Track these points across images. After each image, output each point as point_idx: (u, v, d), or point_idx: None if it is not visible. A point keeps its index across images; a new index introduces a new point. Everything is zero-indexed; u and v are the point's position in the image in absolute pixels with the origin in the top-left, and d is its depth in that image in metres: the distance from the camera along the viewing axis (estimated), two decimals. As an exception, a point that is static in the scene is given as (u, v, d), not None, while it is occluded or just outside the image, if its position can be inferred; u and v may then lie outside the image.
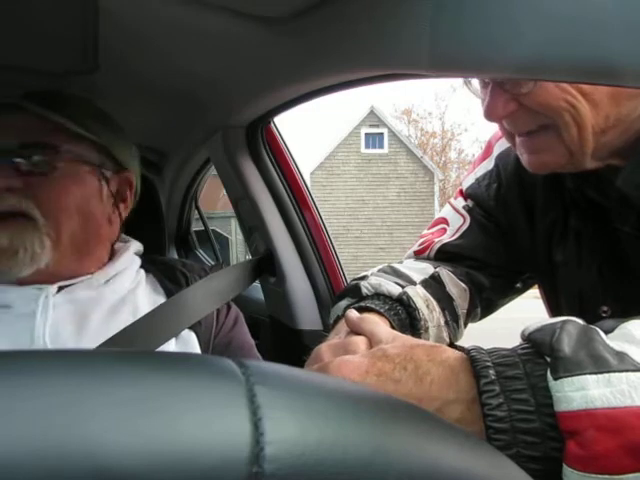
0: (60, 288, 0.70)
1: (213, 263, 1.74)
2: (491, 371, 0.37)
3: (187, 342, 0.74)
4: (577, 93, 0.50)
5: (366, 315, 0.56)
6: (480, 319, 0.78)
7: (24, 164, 0.65)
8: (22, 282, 0.68)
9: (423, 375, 0.40)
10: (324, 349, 0.50)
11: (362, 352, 0.46)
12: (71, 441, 0.14)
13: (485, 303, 0.76)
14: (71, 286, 0.71)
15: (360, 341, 0.49)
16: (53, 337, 0.65)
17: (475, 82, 0.60)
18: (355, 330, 0.52)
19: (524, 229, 0.73)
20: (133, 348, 0.66)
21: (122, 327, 0.67)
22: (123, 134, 0.80)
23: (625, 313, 0.40)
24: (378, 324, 0.51)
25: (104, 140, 0.74)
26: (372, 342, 0.48)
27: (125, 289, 0.75)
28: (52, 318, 0.66)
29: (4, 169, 0.65)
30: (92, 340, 0.65)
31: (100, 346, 0.64)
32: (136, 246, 0.83)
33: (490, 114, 0.55)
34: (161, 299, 0.77)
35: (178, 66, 0.88)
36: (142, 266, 0.82)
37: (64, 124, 0.68)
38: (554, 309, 0.74)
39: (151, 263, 0.84)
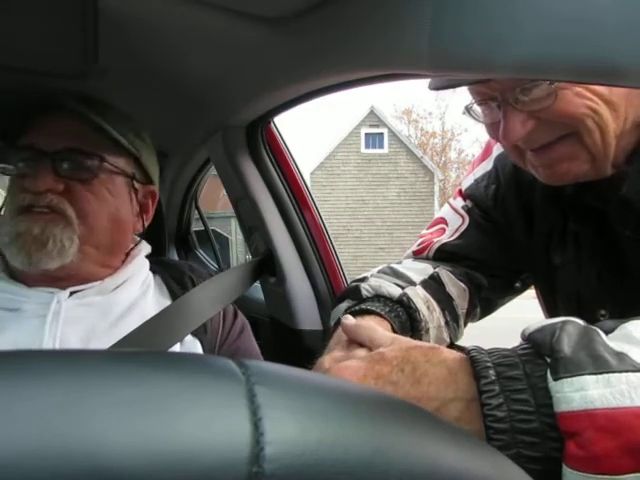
0: (71, 293, 0.70)
1: (214, 264, 1.74)
2: (491, 371, 0.37)
3: (191, 349, 0.75)
4: (596, 98, 0.49)
5: (363, 322, 0.55)
6: (479, 319, 0.78)
7: (67, 169, 0.68)
8: (33, 284, 0.69)
9: (421, 376, 0.40)
10: (327, 362, 0.50)
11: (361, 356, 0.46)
12: (71, 441, 0.14)
13: (484, 303, 0.76)
14: (82, 291, 0.71)
15: (363, 353, 0.49)
16: (63, 342, 0.65)
17: (477, 108, 0.59)
18: (352, 337, 0.52)
19: (522, 230, 0.73)
20: (134, 348, 0.66)
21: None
22: (152, 146, 0.81)
23: (623, 316, 0.40)
24: (375, 330, 0.51)
25: (140, 152, 0.77)
26: (372, 348, 0.48)
27: (134, 295, 0.75)
28: (62, 323, 0.66)
29: (47, 171, 0.67)
30: (100, 346, 0.66)
31: None
32: (146, 249, 0.83)
33: (509, 136, 0.54)
34: (167, 302, 0.77)
35: (178, 66, 0.88)
36: (150, 268, 0.82)
37: (113, 134, 0.71)
38: (551, 311, 0.74)
39: (159, 264, 0.84)
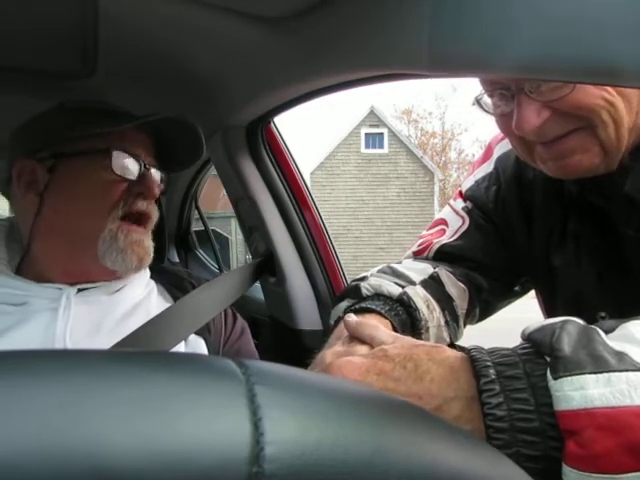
0: (78, 291, 0.71)
1: (214, 264, 1.74)
2: (491, 370, 0.37)
3: (196, 348, 0.76)
4: (613, 89, 0.49)
5: (365, 319, 0.56)
6: (478, 321, 0.78)
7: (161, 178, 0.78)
8: (39, 280, 0.70)
9: (423, 374, 0.40)
10: (328, 356, 0.50)
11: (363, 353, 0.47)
12: (71, 441, 0.14)
13: (483, 305, 0.76)
14: (89, 289, 0.73)
15: (364, 350, 0.49)
16: (72, 336, 0.67)
17: (487, 99, 0.58)
18: (354, 335, 0.52)
19: (522, 231, 0.73)
20: (135, 348, 0.66)
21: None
22: None
23: (623, 317, 0.40)
24: (377, 328, 0.51)
25: None
26: (373, 346, 0.48)
27: (138, 296, 0.77)
28: (72, 317, 0.68)
29: (153, 178, 0.74)
30: (106, 342, 0.67)
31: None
32: None
33: (524, 125, 0.53)
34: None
35: (178, 66, 0.88)
36: (150, 276, 0.83)
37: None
38: (550, 313, 0.74)
39: (158, 272, 0.85)
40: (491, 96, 0.57)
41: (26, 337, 0.64)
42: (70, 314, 0.68)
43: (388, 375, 0.41)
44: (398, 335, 0.49)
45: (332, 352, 0.50)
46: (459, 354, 0.41)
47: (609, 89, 0.49)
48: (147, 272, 0.82)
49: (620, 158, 0.54)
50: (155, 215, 0.76)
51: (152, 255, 0.74)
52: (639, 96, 0.51)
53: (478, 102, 0.59)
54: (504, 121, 0.57)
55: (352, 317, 0.54)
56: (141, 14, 0.70)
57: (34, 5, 0.68)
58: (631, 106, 0.51)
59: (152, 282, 0.82)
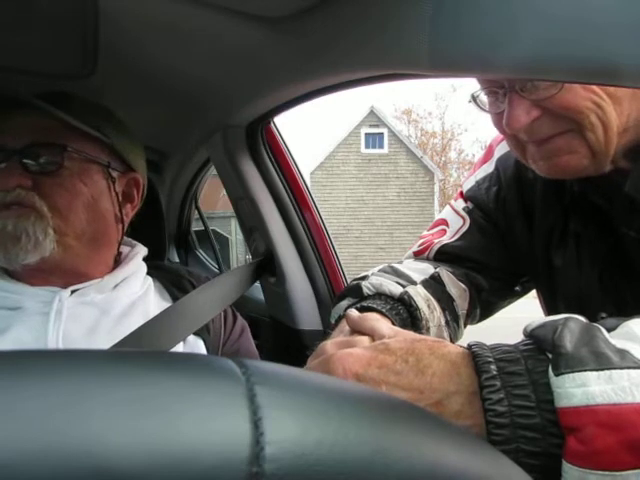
0: (72, 292, 0.71)
1: (214, 264, 1.74)
2: (492, 366, 0.37)
3: (194, 349, 0.75)
4: (602, 92, 0.49)
5: (367, 313, 0.56)
6: (479, 321, 0.78)
7: (33, 165, 0.68)
8: (34, 283, 0.69)
9: (424, 368, 0.40)
10: (329, 346, 0.50)
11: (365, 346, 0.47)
12: (71, 441, 0.14)
13: (484, 305, 0.76)
14: (82, 290, 0.72)
15: (365, 340, 0.49)
16: (66, 339, 0.66)
17: (483, 97, 0.59)
18: (356, 328, 0.52)
19: (523, 232, 0.73)
20: (134, 348, 0.66)
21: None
22: (130, 134, 0.80)
23: (624, 317, 0.40)
24: (379, 321, 0.51)
25: (112, 140, 0.75)
26: (375, 339, 0.49)
27: (135, 294, 0.76)
28: (65, 320, 0.67)
29: (15, 168, 0.67)
30: (103, 343, 0.66)
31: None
32: (144, 251, 0.83)
33: (513, 123, 0.54)
34: (168, 305, 0.77)
35: (178, 66, 0.88)
36: (148, 272, 0.82)
37: (72, 123, 0.69)
38: (552, 313, 0.74)
39: (156, 269, 0.84)
40: (490, 94, 0.58)
41: (18, 341, 0.63)
42: (62, 318, 0.67)
43: (389, 368, 0.41)
44: (399, 329, 0.49)
45: (333, 342, 0.50)
46: (460, 349, 0.41)
47: (599, 92, 0.50)
48: (144, 268, 0.81)
49: (610, 160, 0.54)
50: (32, 199, 0.68)
51: (29, 235, 0.66)
52: (630, 99, 0.51)
53: (474, 99, 0.59)
54: (498, 119, 0.58)
55: (354, 312, 0.55)
56: (141, 14, 0.70)
57: (34, 5, 0.68)
58: (622, 109, 0.51)
59: (149, 279, 0.81)
